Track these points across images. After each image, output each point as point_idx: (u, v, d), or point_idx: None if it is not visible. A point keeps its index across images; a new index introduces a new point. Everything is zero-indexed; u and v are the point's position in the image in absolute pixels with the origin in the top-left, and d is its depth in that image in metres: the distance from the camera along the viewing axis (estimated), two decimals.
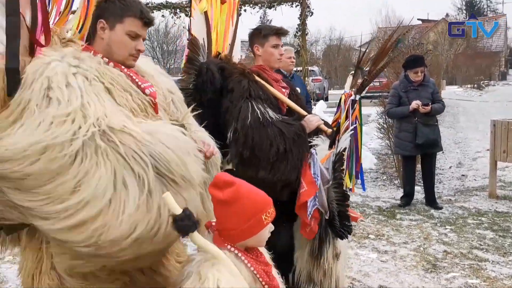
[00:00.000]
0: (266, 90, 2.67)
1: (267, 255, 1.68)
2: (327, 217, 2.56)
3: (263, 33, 2.78)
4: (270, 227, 1.60)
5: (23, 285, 1.75)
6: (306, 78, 9.72)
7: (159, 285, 1.76)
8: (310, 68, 20.80)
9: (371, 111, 9.08)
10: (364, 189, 3.40)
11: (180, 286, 1.47)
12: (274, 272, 1.67)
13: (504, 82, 33.07)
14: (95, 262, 1.53)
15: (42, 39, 1.72)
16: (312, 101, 5.93)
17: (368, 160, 8.15)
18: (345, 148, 2.58)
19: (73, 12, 1.88)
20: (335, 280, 2.68)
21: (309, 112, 2.92)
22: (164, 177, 1.50)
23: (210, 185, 1.58)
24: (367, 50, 3.40)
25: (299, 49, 9.56)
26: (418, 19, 45.60)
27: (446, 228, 4.68)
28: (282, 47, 2.85)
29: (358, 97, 2.76)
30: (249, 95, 2.58)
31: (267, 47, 2.76)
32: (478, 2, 49.14)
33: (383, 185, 6.72)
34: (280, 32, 2.79)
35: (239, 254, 1.54)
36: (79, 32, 1.91)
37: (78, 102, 1.47)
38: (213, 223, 1.61)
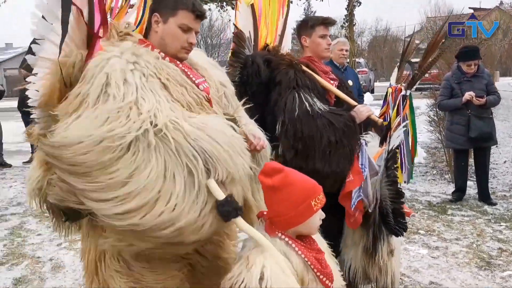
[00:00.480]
0: (313, 80, 2.65)
1: (320, 242, 1.68)
2: (370, 210, 2.53)
3: (310, 24, 2.76)
4: (321, 214, 1.60)
5: (85, 269, 1.84)
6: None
7: (220, 269, 1.80)
8: (356, 59, 20.47)
9: (421, 104, 8.81)
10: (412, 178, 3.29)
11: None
12: (328, 258, 1.67)
13: None
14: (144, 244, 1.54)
15: (100, 33, 1.79)
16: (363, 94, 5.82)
17: (417, 154, 7.92)
18: (398, 146, 2.53)
19: (131, 6, 1.94)
20: (391, 277, 2.66)
21: (359, 103, 2.88)
22: (210, 172, 1.51)
23: (260, 173, 1.61)
24: (412, 39, 3.27)
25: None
26: (469, 8, 43.66)
27: (501, 225, 4.50)
28: (330, 37, 2.81)
29: (409, 92, 2.68)
30: (296, 84, 2.57)
31: (315, 38, 2.75)
32: None
33: (433, 179, 6.53)
34: (327, 22, 2.76)
35: (290, 242, 1.56)
36: (137, 26, 1.98)
37: (133, 98, 1.50)
38: (265, 213, 1.63)
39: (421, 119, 8.91)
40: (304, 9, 37.29)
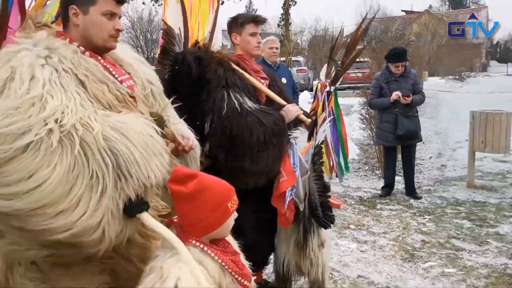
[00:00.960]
0: (243, 79, 2.65)
1: (234, 244, 1.67)
2: (301, 209, 2.59)
3: (240, 21, 2.76)
4: (235, 215, 1.59)
5: None
6: (289, 68, 9.67)
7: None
8: (295, 58, 20.81)
9: (354, 102, 9.13)
10: (347, 171, 3.41)
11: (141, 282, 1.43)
12: (243, 260, 1.65)
13: (485, 74, 33.76)
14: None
15: (18, 21, 1.67)
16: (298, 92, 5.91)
17: (350, 151, 8.17)
18: (323, 141, 2.60)
19: None
20: (321, 268, 2.74)
21: (290, 103, 2.91)
22: (121, 176, 1.43)
23: (170, 181, 1.53)
24: (341, 36, 3.37)
25: (282, 38, 9.54)
26: (402, 10, 45.97)
27: (424, 218, 4.75)
28: (260, 35, 2.82)
29: (333, 88, 2.76)
30: (225, 83, 2.56)
31: (245, 36, 2.75)
32: None
33: (365, 175, 6.78)
34: (257, 20, 2.77)
35: (205, 248, 1.52)
36: (57, 18, 1.86)
37: (37, 94, 1.40)
38: (175, 220, 1.58)
39: (354, 117, 9.26)
40: (246, 6, 37.48)
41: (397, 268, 3.57)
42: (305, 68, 20.54)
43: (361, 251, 3.93)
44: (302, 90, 13.91)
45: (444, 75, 27.15)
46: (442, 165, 7.21)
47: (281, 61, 5.92)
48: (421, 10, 42.85)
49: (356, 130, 8.99)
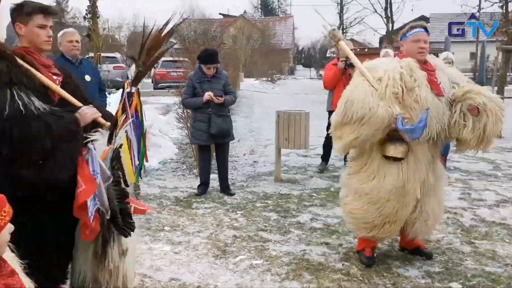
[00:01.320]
0: (32, 76, 2.37)
1: (12, 259, 1.43)
2: (108, 217, 2.41)
3: (25, 10, 2.44)
4: (10, 228, 1.36)
5: None
6: (99, 64, 9.12)
7: None
8: (111, 54, 19.87)
9: (172, 101, 9.10)
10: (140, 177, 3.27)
11: None
12: (24, 277, 1.44)
13: (293, 77, 37.62)
14: None
15: None
16: (107, 89, 5.56)
17: (169, 150, 8.16)
18: (121, 145, 2.46)
19: None
20: (122, 277, 2.59)
21: (90, 102, 2.70)
22: None
23: None
24: (154, 33, 3.30)
25: (90, 33, 8.94)
26: (219, 14, 48.08)
27: (237, 213, 4.95)
28: (50, 28, 2.54)
29: (134, 89, 2.64)
30: (9, 80, 2.26)
31: (32, 27, 2.45)
32: (271, 3, 54.29)
33: (183, 175, 6.78)
34: (47, 11, 2.49)
35: None
36: None
37: None
38: None
39: (172, 116, 9.23)
40: None
41: (209, 266, 3.62)
42: (122, 65, 19.77)
43: (174, 252, 3.88)
44: (119, 88, 13.36)
45: (258, 76, 29.26)
46: (255, 161, 7.67)
47: (88, 57, 5.49)
48: (237, 14, 45.53)
49: (174, 129, 8.97)
